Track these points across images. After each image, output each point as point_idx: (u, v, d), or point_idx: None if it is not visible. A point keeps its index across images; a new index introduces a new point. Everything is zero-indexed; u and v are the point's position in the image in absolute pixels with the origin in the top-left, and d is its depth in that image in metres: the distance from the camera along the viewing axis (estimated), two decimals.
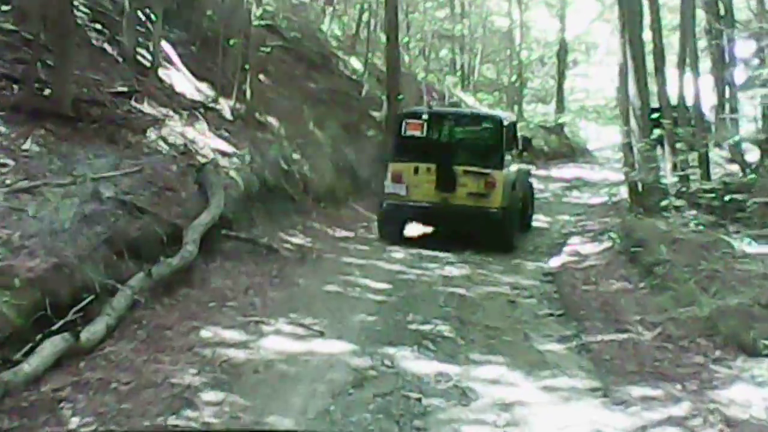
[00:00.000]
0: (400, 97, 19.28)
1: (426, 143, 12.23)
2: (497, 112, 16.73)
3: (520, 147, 13.72)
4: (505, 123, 12.73)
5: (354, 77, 20.41)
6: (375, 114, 18.86)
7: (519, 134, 14.00)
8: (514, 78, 32.59)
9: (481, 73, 32.81)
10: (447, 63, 31.45)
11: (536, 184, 17.10)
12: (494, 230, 11.97)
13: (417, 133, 12.27)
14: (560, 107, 33.91)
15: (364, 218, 15.21)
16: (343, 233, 13.58)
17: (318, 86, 17.93)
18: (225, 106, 13.87)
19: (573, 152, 31.74)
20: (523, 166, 14.13)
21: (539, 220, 15.68)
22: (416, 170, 12.04)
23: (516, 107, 32.51)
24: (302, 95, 16.86)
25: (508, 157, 12.48)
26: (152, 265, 7.88)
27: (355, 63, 21.59)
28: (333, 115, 17.16)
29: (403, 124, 12.55)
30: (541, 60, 40.60)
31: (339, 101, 18.12)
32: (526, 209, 14.02)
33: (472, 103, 28.95)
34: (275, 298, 8.58)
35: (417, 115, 12.62)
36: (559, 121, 32.37)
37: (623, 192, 15.91)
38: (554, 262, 11.79)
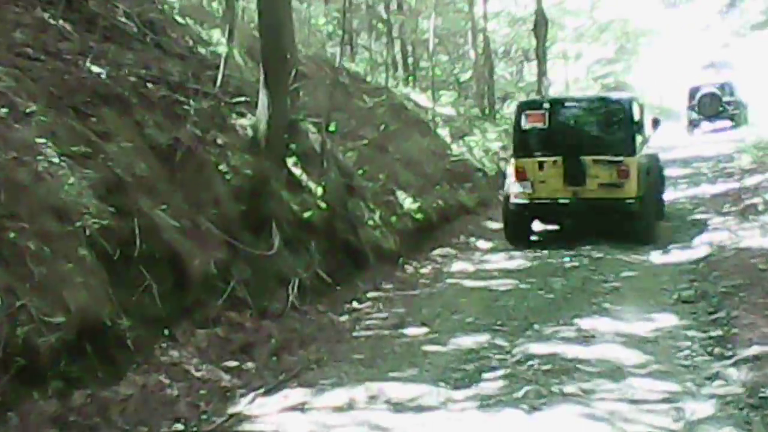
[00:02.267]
0: (295, 87, 9.93)
1: (549, 135, 11.42)
2: (623, 94, 15.87)
3: (650, 131, 12.77)
4: (633, 105, 11.71)
5: (210, 57, 10.92)
6: (243, 122, 9.40)
7: (645, 116, 12.58)
8: (482, 61, 23.11)
9: (435, 63, 23.12)
10: (384, 49, 21.87)
11: None
12: (631, 222, 11.13)
13: (538, 125, 11.44)
14: None
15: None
16: None
17: (116, 72, 8.34)
18: None
19: None
20: (652, 151, 12.89)
21: None
22: (541, 165, 11.27)
23: (487, 107, 23.27)
24: (59, 90, 7.27)
25: (638, 142, 11.53)
26: None
27: (219, 35, 12.06)
28: (130, 128, 7.61)
29: (522, 116, 11.64)
30: (498, 52, 31.67)
31: (161, 99, 8.55)
32: (660, 197, 12.94)
33: (425, 103, 19.58)
34: None
35: (536, 106, 11.91)
36: None
37: None
38: None
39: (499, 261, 10.95)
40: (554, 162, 11.16)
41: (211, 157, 8.28)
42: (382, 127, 13.54)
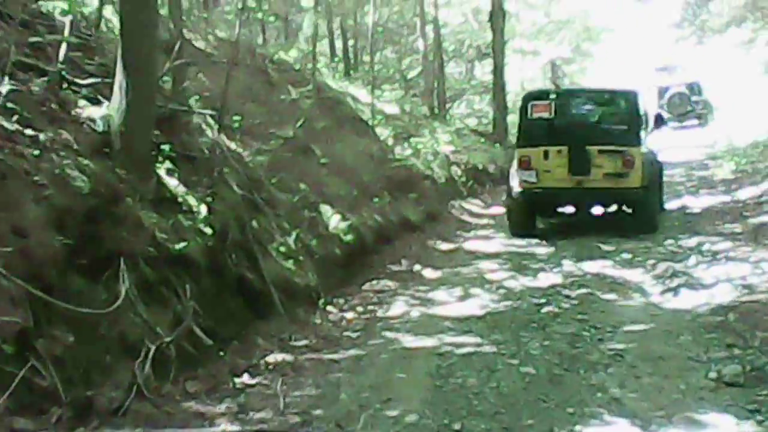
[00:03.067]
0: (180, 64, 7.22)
1: (555, 125, 11.50)
2: (629, 86, 13.93)
3: (651, 125, 12.54)
4: (639, 98, 11.88)
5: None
6: (94, 111, 6.61)
7: (646, 111, 12.53)
8: (431, 57, 20.53)
9: (375, 54, 20.44)
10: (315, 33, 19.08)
11: None
12: (636, 211, 11.30)
13: (544, 115, 11.53)
14: (501, 102, 21.91)
15: None
16: None
17: None
18: None
19: None
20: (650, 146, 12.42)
21: None
22: (546, 154, 11.27)
23: (436, 105, 20.70)
24: None
25: (643, 134, 11.62)
26: None
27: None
28: None
29: (529, 106, 11.67)
30: (448, 51, 29.18)
31: None
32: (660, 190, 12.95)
33: (365, 98, 16.90)
34: None
35: (543, 96, 11.95)
36: None
37: None
38: None
39: (452, 301, 8.34)
40: (559, 151, 11.17)
41: (23, 162, 5.48)
42: (300, 122, 10.83)
